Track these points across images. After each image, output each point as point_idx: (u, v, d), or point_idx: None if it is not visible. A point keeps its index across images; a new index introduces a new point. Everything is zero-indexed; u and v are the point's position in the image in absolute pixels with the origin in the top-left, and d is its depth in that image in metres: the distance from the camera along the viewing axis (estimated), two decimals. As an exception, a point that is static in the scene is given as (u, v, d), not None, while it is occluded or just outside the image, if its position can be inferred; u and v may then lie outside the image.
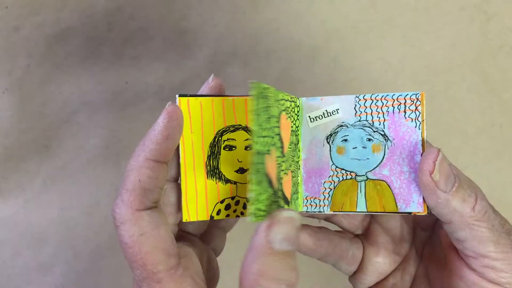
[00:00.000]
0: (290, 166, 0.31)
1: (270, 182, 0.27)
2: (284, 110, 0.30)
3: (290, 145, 0.31)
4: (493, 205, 0.32)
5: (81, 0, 0.46)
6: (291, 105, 0.31)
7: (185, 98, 0.30)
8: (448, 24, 0.52)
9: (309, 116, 0.31)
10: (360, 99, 0.31)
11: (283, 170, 0.30)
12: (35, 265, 0.49)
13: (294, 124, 0.31)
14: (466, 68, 0.52)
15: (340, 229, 0.36)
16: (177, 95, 0.29)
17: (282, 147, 0.30)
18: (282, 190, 0.29)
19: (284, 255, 0.25)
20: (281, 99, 0.30)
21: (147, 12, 0.48)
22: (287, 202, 0.30)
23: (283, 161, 0.30)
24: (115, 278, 0.51)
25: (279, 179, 0.29)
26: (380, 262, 0.35)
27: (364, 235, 0.36)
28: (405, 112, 0.30)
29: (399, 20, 0.51)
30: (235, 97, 0.31)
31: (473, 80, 0.53)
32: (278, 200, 0.28)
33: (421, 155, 0.29)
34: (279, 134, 0.29)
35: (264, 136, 0.27)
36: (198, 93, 0.31)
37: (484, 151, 0.54)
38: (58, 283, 0.50)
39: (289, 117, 0.31)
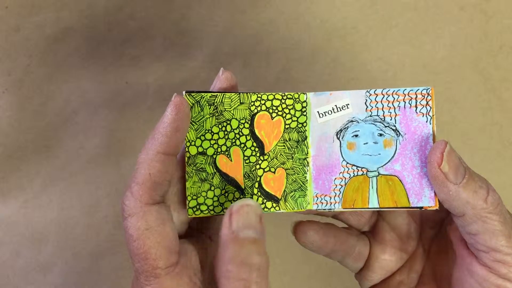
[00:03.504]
0: (284, 163, 0.31)
1: (228, 181, 0.30)
2: (265, 110, 0.31)
3: (284, 142, 0.31)
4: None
5: (81, 0, 0.46)
6: (281, 103, 0.31)
7: (192, 95, 0.30)
8: (448, 24, 0.52)
9: (317, 112, 0.31)
10: (370, 94, 0.31)
11: (262, 168, 0.31)
12: (35, 265, 0.49)
13: (296, 121, 0.31)
14: (466, 68, 0.52)
15: (347, 226, 0.36)
16: (184, 92, 0.30)
17: (259, 146, 0.31)
18: (258, 188, 0.31)
19: (250, 242, 0.26)
20: (256, 100, 0.31)
21: (147, 12, 0.48)
22: (271, 199, 0.31)
23: (264, 160, 0.31)
24: (115, 278, 0.51)
25: (255, 177, 0.31)
26: (387, 260, 0.35)
27: (371, 232, 0.36)
28: (416, 107, 0.30)
29: (399, 20, 0.51)
30: (241, 94, 0.31)
31: (473, 80, 0.53)
32: (247, 195, 0.31)
33: None
34: (249, 135, 0.31)
35: (203, 140, 0.30)
36: (210, 89, 0.32)
37: (484, 151, 0.54)
38: (58, 283, 0.50)
39: (279, 115, 0.31)
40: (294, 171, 0.31)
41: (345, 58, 0.51)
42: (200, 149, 0.30)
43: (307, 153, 0.31)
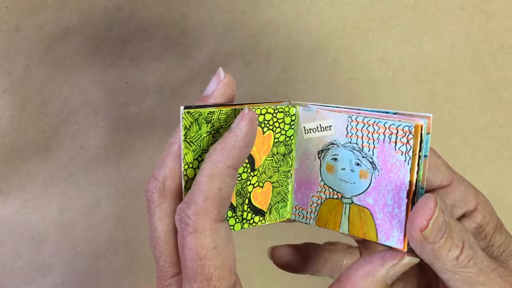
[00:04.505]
0: (271, 177, 0.31)
1: None
2: (257, 125, 0.29)
3: (272, 156, 0.31)
4: (493, 208, 0.32)
5: (81, 0, 0.46)
6: (273, 117, 0.30)
7: (193, 110, 0.28)
8: (448, 24, 0.52)
9: (304, 127, 0.30)
10: (352, 120, 0.29)
11: (252, 184, 0.30)
12: (35, 265, 0.49)
13: (284, 134, 0.31)
14: (466, 68, 0.52)
15: (332, 241, 0.36)
16: (182, 107, 0.27)
17: (250, 162, 0.30)
18: (248, 204, 0.30)
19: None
20: None
21: (147, 12, 0.48)
22: (258, 213, 0.31)
23: (254, 175, 0.30)
24: (115, 278, 0.51)
25: (246, 193, 0.30)
26: None
27: (363, 242, 0.35)
28: (395, 143, 0.27)
29: (399, 20, 0.51)
30: (243, 105, 0.30)
31: (473, 80, 0.53)
32: (238, 213, 0.30)
33: (407, 192, 0.27)
34: None
35: (200, 160, 0.28)
36: (208, 90, 0.29)
37: (484, 151, 0.54)
38: (58, 283, 0.50)
39: (270, 129, 0.30)
40: (279, 184, 0.31)
41: (345, 58, 0.51)
42: (197, 171, 0.28)
43: (291, 165, 0.31)
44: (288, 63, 0.51)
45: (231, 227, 0.30)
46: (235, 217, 0.31)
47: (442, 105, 0.53)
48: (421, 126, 0.26)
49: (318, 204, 0.31)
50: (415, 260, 0.27)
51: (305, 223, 0.32)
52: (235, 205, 0.30)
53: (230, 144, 0.26)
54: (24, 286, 0.49)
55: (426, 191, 0.30)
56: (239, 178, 0.30)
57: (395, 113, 0.28)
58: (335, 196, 0.30)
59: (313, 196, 0.31)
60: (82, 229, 0.50)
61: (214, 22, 0.49)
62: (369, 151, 0.28)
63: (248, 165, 0.30)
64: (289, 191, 0.32)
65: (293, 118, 0.31)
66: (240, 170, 0.30)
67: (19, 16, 0.45)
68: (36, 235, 0.49)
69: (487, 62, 0.52)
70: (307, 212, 0.31)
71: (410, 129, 0.27)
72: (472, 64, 0.52)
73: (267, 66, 0.50)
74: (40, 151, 0.48)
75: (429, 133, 0.27)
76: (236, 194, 0.30)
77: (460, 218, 0.31)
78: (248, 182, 0.30)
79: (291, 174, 0.32)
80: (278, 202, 0.32)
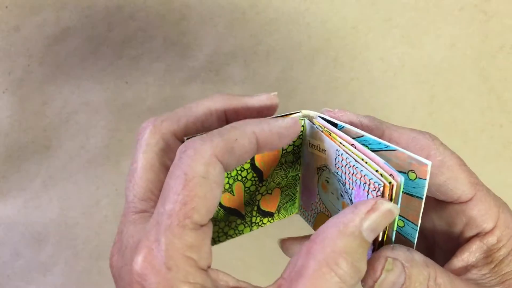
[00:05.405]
0: (279, 183, 0.32)
1: (230, 213, 0.30)
2: None
3: (280, 166, 0.31)
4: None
5: (81, 0, 0.46)
6: None
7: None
8: (448, 24, 0.52)
9: (309, 141, 0.31)
10: (339, 155, 0.28)
11: (261, 193, 0.31)
12: (35, 265, 0.49)
13: (292, 144, 0.31)
14: (466, 68, 0.52)
15: None
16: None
17: (257, 176, 0.30)
18: (257, 210, 0.31)
19: (366, 243, 0.24)
20: None
21: (147, 12, 0.48)
22: (267, 215, 0.32)
23: (262, 185, 0.31)
24: (115, 278, 0.51)
25: (254, 202, 0.31)
26: None
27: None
28: (368, 193, 0.26)
29: (399, 20, 0.51)
30: None
31: (473, 80, 0.53)
32: (247, 219, 0.31)
33: (373, 241, 0.27)
34: (249, 168, 0.30)
35: None
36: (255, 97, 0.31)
37: (484, 151, 0.54)
38: (58, 283, 0.50)
39: None
40: (287, 187, 0.32)
41: (345, 58, 0.51)
42: None
43: (299, 170, 0.32)
44: (288, 63, 0.51)
45: (240, 231, 0.31)
46: (244, 223, 0.31)
47: (442, 105, 0.53)
48: (392, 186, 0.25)
49: (315, 212, 0.32)
50: (393, 207, 0.24)
51: (307, 221, 0.33)
52: (244, 214, 0.31)
53: (265, 120, 0.26)
54: (24, 286, 0.49)
55: (444, 202, 0.30)
56: (247, 191, 0.30)
57: (395, 150, 0.26)
58: (326, 213, 0.31)
59: (312, 203, 0.32)
60: (82, 229, 0.50)
61: (214, 22, 0.49)
62: (349, 189, 0.28)
63: (256, 179, 0.30)
64: (297, 191, 0.33)
65: (302, 129, 0.31)
66: (249, 184, 0.30)
67: (19, 16, 0.45)
68: (36, 235, 0.49)
69: (487, 62, 0.52)
70: (308, 215, 0.33)
71: (379, 186, 0.25)
72: (472, 64, 0.52)
73: (267, 66, 0.50)
74: (40, 151, 0.48)
75: (425, 178, 0.25)
76: (245, 204, 0.31)
77: (472, 238, 0.30)
78: (257, 193, 0.31)
79: (299, 177, 0.32)
80: (287, 202, 0.33)
